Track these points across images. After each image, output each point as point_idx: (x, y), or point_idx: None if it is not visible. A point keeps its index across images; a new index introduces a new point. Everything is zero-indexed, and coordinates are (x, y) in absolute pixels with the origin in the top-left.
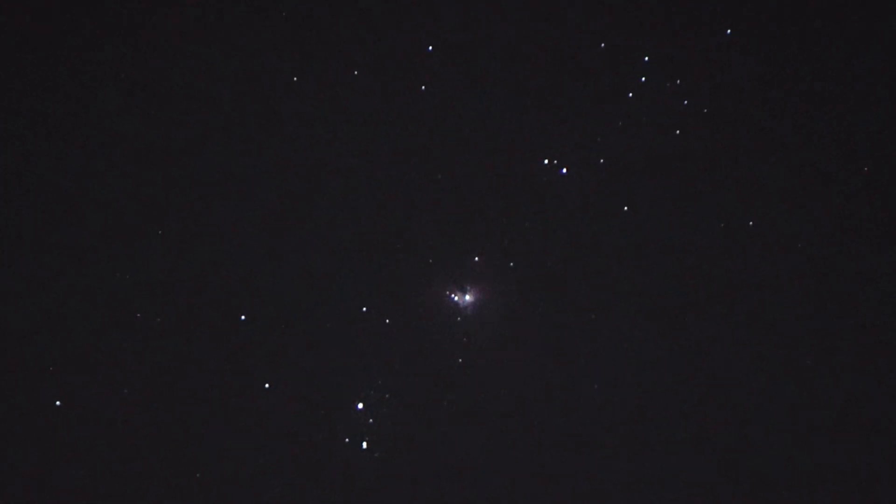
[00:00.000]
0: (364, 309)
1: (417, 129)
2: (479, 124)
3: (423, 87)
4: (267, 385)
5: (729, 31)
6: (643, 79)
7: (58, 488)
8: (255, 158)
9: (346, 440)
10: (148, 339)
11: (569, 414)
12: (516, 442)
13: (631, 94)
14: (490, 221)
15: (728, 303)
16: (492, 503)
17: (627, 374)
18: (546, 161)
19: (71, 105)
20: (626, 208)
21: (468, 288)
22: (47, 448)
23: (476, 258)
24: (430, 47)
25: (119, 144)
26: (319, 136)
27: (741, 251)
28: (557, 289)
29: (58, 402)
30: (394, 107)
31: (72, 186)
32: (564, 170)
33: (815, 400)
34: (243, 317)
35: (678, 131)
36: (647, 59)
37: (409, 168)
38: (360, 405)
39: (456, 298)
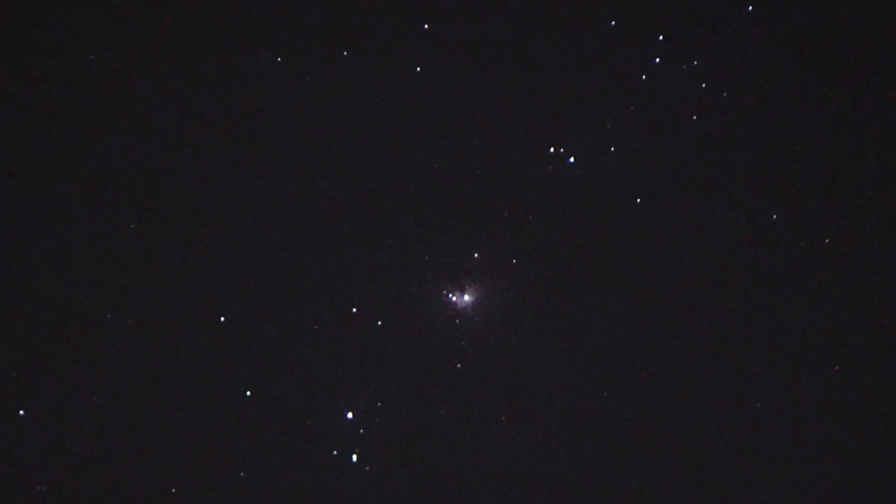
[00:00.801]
0: (354, 310)
1: (412, 114)
2: (479, 109)
3: (419, 69)
4: (248, 393)
5: (751, 7)
6: (657, 60)
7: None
8: (234, 144)
9: (335, 453)
10: (117, 343)
11: (577, 426)
12: (518, 456)
13: (644, 77)
14: (491, 215)
15: (752, 305)
16: None
17: (643, 383)
18: (552, 149)
19: (25, 98)
20: (638, 200)
21: (467, 287)
22: (12, 459)
23: (475, 255)
24: (426, 25)
25: (86, 138)
26: (303, 118)
27: (765, 248)
28: (564, 288)
29: (21, 412)
30: (386, 88)
31: (38, 184)
32: (572, 159)
33: (837, 403)
34: (222, 318)
35: (695, 117)
36: (661, 38)
37: (403, 156)
38: (350, 414)
39: (454, 299)
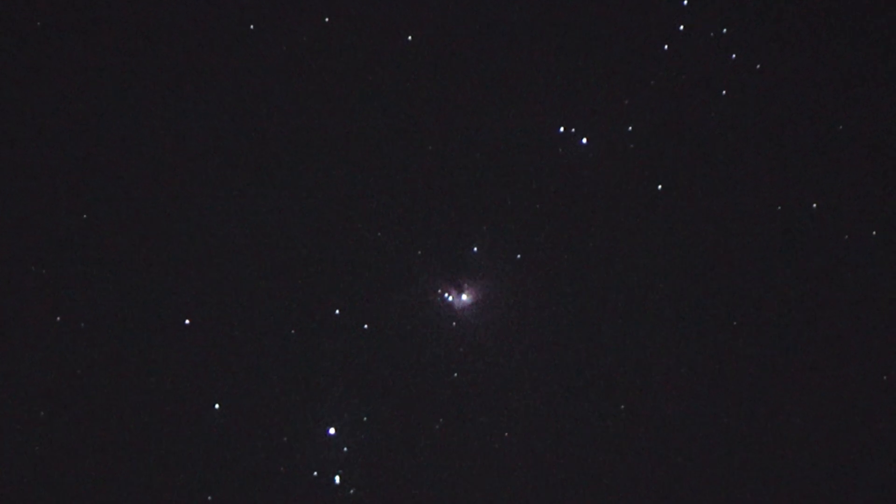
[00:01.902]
0: (336, 312)
1: (403, 86)
2: (479, 81)
3: (410, 38)
4: (216, 406)
5: None
6: (681, 27)
7: None
8: (202, 118)
9: (315, 474)
10: (70, 348)
11: (592, 448)
12: (524, 480)
13: (666, 47)
14: (492, 203)
15: (794, 308)
16: None
17: (664, 392)
18: (562, 128)
19: None
20: (660, 187)
21: (465, 286)
22: None
23: (474, 248)
24: None
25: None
26: (278, 88)
27: (805, 241)
28: (577, 288)
29: None
30: (372, 57)
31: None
32: (584, 139)
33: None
34: (187, 321)
35: (724, 91)
36: (685, 1)
37: (392, 135)
38: (332, 430)
39: (450, 299)
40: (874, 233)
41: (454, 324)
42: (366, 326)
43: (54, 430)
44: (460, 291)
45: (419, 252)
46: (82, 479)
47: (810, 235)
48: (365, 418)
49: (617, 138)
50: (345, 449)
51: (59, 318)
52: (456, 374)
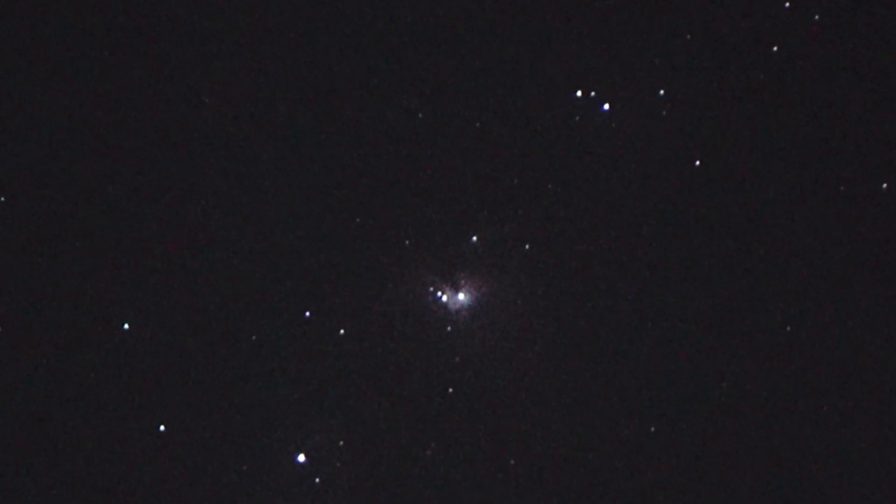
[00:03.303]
0: (307, 314)
1: (389, 45)
2: (479, 36)
3: None
4: (162, 427)
5: None
6: None
7: None
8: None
9: None
10: None
11: (607, 476)
12: None
13: None
14: (495, 183)
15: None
16: None
17: (688, 406)
18: (579, 93)
19: None
20: (697, 163)
21: (462, 283)
22: None
23: (474, 238)
24: None
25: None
26: (245, 52)
27: (866, 228)
28: (596, 286)
29: None
30: (354, 11)
31: None
32: (606, 105)
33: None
34: (126, 325)
35: (775, 48)
36: None
37: (376, 102)
38: (302, 457)
39: (444, 298)
40: None
41: (449, 329)
42: (342, 332)
43: None
44: (456, 289)
45: (406, 242)
46: None
47: (879, 222)
48: (341, 443)
49: (646, 104)
50: (317, 480)
51: None
52: (451, 390)
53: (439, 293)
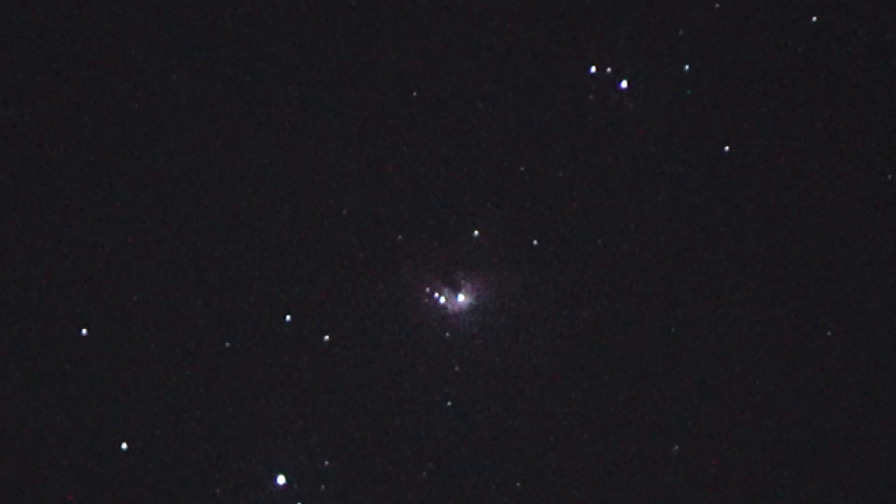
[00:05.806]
0: (287, 318)
1: (390, 16)
2: (486, 8)
3: None
4: (124, 446)
5: None
6: None
7: None
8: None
9: None
10: None
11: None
12: None
13: None
14: (499, 171)
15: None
16: None
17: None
18: (593, 69)
19: None
20: (727, 148)
21: (462, 283)
22: None
23: (475, 233)
24: None
25: None
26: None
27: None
28: (609, 285)
29: None
30: None
31: None
32: (624, 83)
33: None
34: (84, 330)
35: (814, 18)
36: None
37: (366, 81)
38: (281, 479)
39: (442, 300)
40: None
41: (447, 334)
42: (327, 338)
43: None
44: (456, 290)
45: (400, 237)
46: None
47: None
48: (326, 462)
49: (668, 82)
50: (298, 503)
51: None
52: (449, 403)
53: (437, 295)
